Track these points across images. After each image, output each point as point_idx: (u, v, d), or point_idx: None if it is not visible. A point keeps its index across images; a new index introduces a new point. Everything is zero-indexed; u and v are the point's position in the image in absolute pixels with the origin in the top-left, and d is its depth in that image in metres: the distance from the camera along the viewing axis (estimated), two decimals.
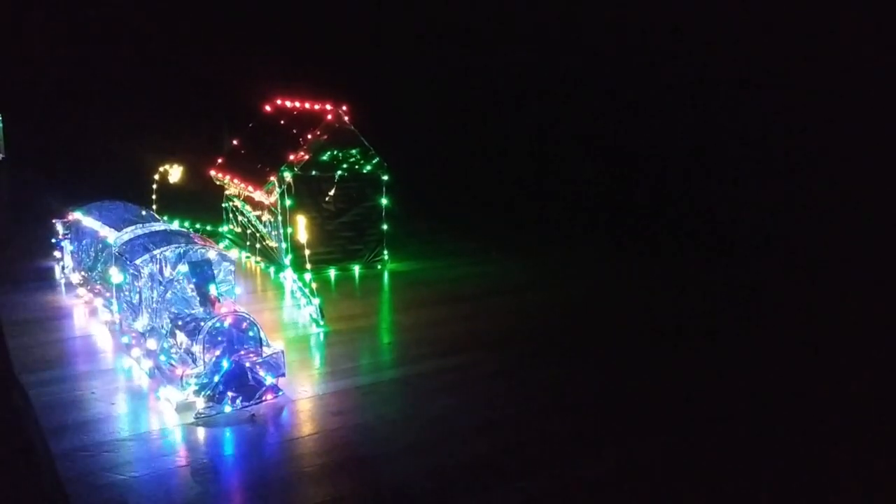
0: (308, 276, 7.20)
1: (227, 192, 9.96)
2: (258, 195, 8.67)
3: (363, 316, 7.34)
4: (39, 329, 6.44)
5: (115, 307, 6.14)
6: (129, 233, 6.22)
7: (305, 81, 11.79)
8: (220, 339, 4.87)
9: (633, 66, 13.01)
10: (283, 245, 8.35)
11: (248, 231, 9.34)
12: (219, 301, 5.34)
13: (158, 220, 6.89)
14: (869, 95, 10.20)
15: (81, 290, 7.27)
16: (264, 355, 5.00)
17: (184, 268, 5.55)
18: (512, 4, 14.82)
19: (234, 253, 5.88)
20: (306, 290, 7.06)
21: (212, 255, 5.67)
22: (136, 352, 5.61)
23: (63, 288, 7.71)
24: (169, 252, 5.54)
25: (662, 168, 12.87)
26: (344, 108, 8.74)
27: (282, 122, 9.57)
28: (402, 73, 15.42)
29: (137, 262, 5.54)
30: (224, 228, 10.16)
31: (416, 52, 15.35)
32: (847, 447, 4.63)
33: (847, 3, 10.38)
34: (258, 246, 9.04)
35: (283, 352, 5.11)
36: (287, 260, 8.14)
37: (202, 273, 5.53)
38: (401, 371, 5.74)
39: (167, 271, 5.55)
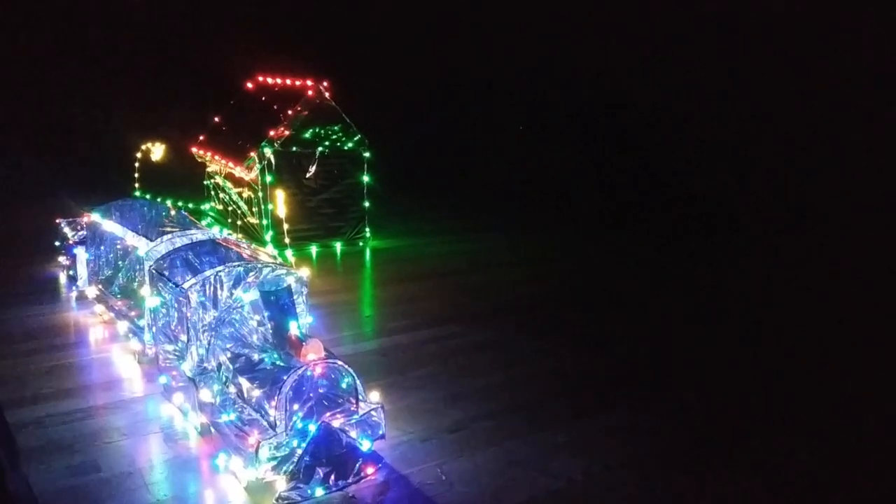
0: (289, 253, 7.22)
1: (208, 170, 9.92)
2: (238, 171, 8.66)
3: (344, 290, 7.38)
4: (45, 356, 5.24)
5: (147, 337, 4.94)
6: (164, 243, 5.14)
7: (288, 58, 11.71)
8: (306, 394, 3.67)
9: (624, 57, 13.05)
10: (264, 221, 8.35)
11: (230, 208, 9.32)
12: (302, 342, 3.87)
13: (195, 224, 5.81)
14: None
15: (98, 307, 6.18)
16: (360, 412, 3.81)
17: (247, 296, 4.28)
18: None
19: (304, 271, 4.54)
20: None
21: (290, 280, 4.37)
22: (178, 398, 4.41)
23: (74, 303, 6.48)
24: (223, 273, 4.28)
25: (649, 151, 12.95)
26: (325, 84, 8.71)
27: (263, 98, 9.54)
28: (385, 50, 15.35)
29: (185, 285, 4.29)
30: (206, 206, 10.14)
31: (398, 29, 15.27)
32: (855, 453, 4.74)
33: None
34: (239, 223, 9.03)
35: (382, 406, 3.93)
36: (268, 236, 8.14)
37: (278, 305, 4.25)
38: (379, 342, 5.80)
39: (223, 298, 4.28)
